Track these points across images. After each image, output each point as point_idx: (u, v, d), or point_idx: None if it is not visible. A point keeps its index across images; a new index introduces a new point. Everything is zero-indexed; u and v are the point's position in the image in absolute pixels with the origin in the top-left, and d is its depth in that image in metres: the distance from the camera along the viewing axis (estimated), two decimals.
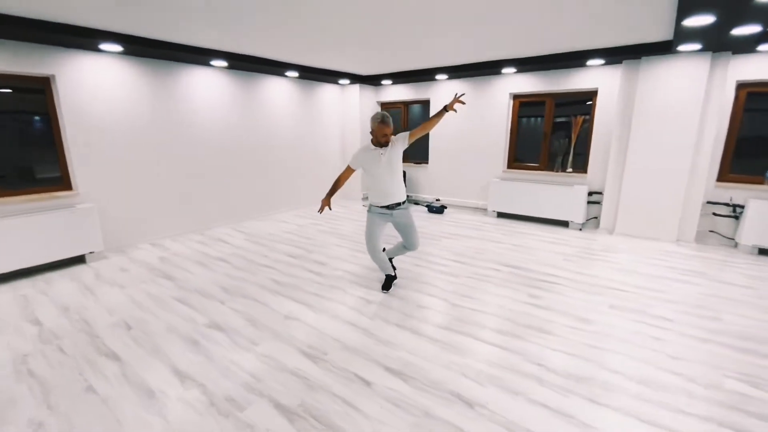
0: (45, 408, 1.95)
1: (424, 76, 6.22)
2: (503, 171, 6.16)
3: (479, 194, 6.49)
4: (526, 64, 5.20)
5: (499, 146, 6.14)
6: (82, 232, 3.97)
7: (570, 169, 5.64)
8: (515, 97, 5.97)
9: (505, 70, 5.59)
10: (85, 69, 4.02)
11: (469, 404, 1.97)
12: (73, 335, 2.64)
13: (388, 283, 3.37)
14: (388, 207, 3.11)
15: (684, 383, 2.13)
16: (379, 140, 2.95)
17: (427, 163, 7.06)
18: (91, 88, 4.08)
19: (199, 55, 4.51)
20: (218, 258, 4.21)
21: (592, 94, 5.30)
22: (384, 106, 7.50)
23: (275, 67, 5.42)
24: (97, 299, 3.21)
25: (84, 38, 3.59)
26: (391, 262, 3.62)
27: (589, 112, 5.39)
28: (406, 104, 7.18)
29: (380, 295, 3.26)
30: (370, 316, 2.91)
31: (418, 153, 7.23)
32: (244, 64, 5.10)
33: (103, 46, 3.90)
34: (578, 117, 5.49)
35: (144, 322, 2.83)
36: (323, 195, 7.00)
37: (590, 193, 5.39)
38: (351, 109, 7.21)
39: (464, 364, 2.30)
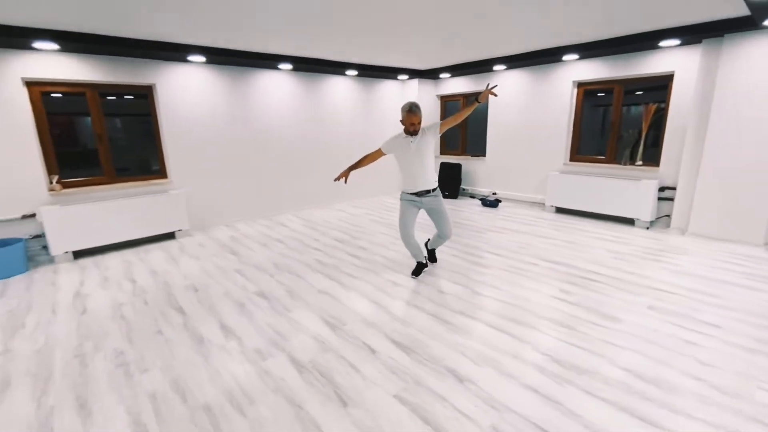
0: (127, 342, 2.54)
1: (483, 67, 6.14)
2: (564, 164, 5.84)
3: (538, 188, 6.24)
4: (591, 49, 4.86)
5: (561, 137, 5.83)
6: (173, 213, 4.80)
7: (640, 162, 5.16)
8: (579, 85, 5.61)
9: (567, 57, 5.29)
10: (177, 77, 4.82)
11: (460, 379, 2.09)
12: (156, 292, 3.30)
13: (418, 269, 3.54)
14: (417, 194, 3.26)
15: (703, 389, 1.99)
16: (409, 129, 3.11)
17: (484, 155, 6.96)
18: (181, 93, 4.88)
19: (268, 61, 5.10)
20: (277, 239, 4.76)
21: (667, 79, 4.78)
22: (444, 99, 7.55)
23: (336, 67, 5.84)
24: (178, 267, 3.91)
25: (176, 52, 4.34)
26: (433, 253, 3.77)
27: (664, 99, 4.87)
28: (466, 96, 7.14)
29: (409, 280, 3.45)
30: (394, 296, 3.13)
31: (475, 146, 7.16)
32: (308, 66, 5.60)
33: (191, 58, 4.65)
34: (650, 105, 4.99)
35: (208, 286, 3.41)
36: (380, 187, 7.39)
37: (662, 189, 4.88)
38: None
39: (468, 346, 2.41)
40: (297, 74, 5.97)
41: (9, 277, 3.71)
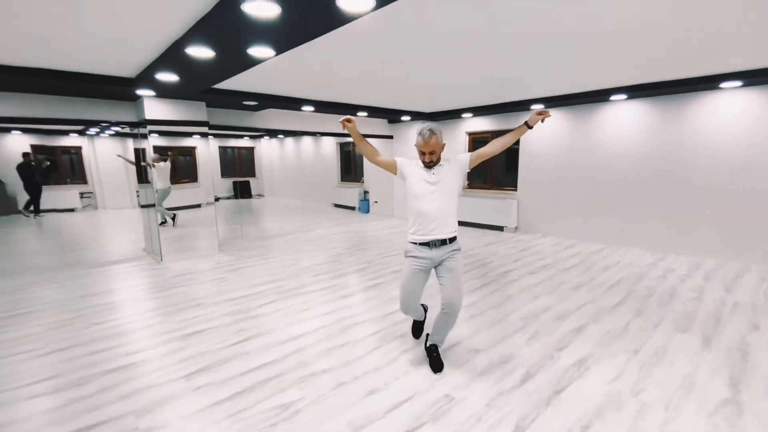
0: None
1: None
2: None
3: None
4: None
5: None
6: (504, 215, 6.95)
7: None
8: None
9: None
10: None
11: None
12: None
13: (417, 329, 2.98)
14: (428, 245, 2.40)
15: None
16: (424, 159, 2.42)
17: None
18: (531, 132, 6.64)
19: (600, 95, 5.44)
20: (550, 264, 5.36)
21: None
22: None
23: (704, 83, 4.69)
24: (491, 248, 6.38)
25: (456, 115, 6.34)
26: (435, 349, 2.63)
27: None
28: None
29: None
30: None
31: None
32: (656, 90, 5.02)
33: (464, 114, 6.33)
34: None
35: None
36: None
37: None
38: None
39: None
40: (641, 101, 5.39)
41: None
